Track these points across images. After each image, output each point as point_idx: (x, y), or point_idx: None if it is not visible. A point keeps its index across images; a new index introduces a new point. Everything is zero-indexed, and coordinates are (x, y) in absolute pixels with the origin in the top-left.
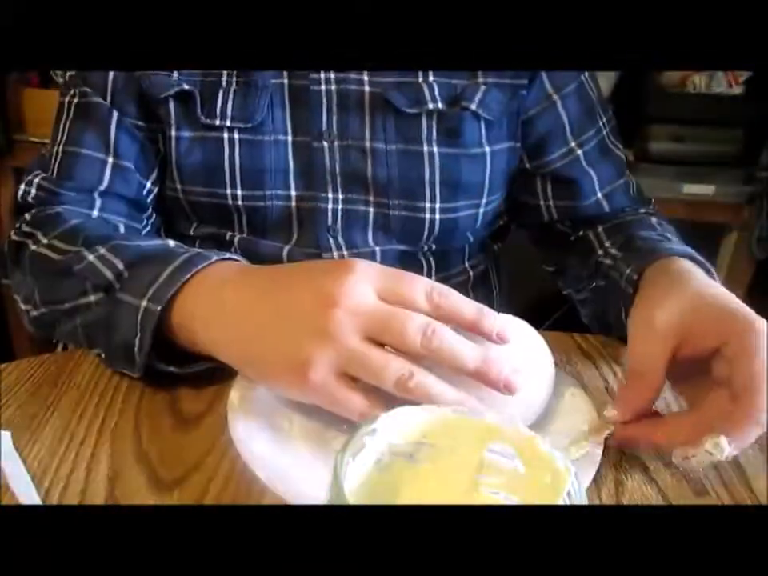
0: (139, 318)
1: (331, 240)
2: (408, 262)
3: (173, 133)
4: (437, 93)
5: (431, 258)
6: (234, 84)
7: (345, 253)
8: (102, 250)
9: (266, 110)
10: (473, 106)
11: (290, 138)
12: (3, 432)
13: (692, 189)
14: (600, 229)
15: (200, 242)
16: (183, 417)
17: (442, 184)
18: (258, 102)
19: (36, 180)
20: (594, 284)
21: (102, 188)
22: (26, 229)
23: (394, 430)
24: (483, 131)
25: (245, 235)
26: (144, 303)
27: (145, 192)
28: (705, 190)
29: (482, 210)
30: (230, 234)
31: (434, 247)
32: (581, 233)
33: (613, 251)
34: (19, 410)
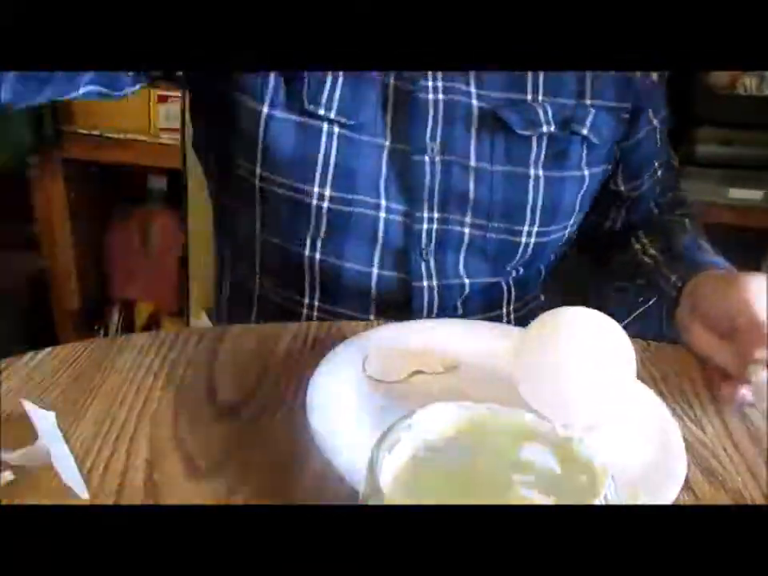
0: None
1: (423, 265)
2: (492, 291)
3: (264, 109)
4: (550, 115)
5: (512, 285)
6: (342, 74)
7: (434, 283)
8: None
9: (371, 110)
10: (584, 131)
11: (387, 143)
12: (48, 413)
13: (739, 193)
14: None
15: (260, 246)
16: (220, 407)
17: (543, 208)
18: (366, 98)
19: None
20: (637, 281)
21: None
22: None
23: (428, 425)
24: (584, 154)
25: (321, 243)
26: None
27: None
28: (752, 195)
29: (568, 231)
30: (304, 241)
31: (520, 271)
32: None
33: (652, 251)
34: (62, 395)
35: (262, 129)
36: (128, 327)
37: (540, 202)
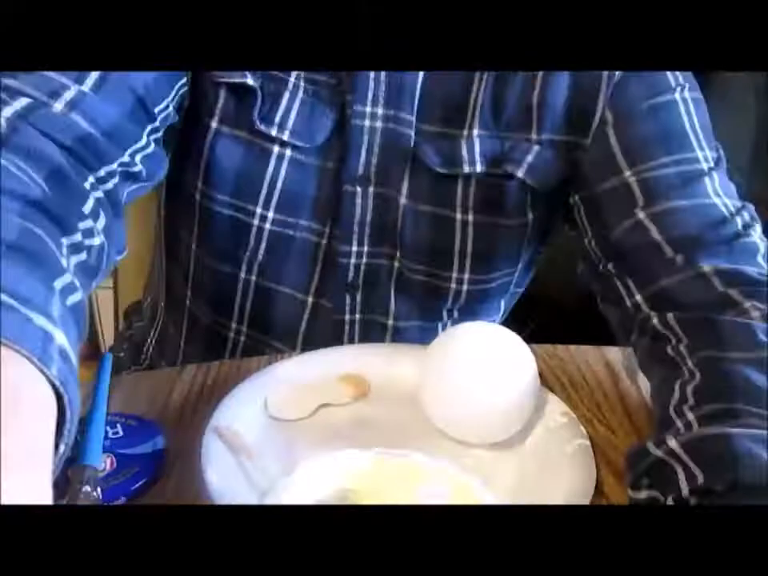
0: None
1: (348, 298)
2: (425, 335)
3: (212, 124)
4: (476, 153)
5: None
6: (302, 90)
7: (357, 318)
8: None
9: (325, 133)
10: (519, 173)
11: (332, 168)
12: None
13: None
14: None
15: (194, 265)
16: None
17: (474, 255)
18: (322, 122)
19: None
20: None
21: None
22: None
23: (313, 481)
24: (527, 198)
25: (257, 265)
26: None
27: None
28: None
29: (515, 276)
30: (240, 262)
31: (455, 316)
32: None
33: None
34: None
35: (208, 144)
36: None
37: (469, 249)
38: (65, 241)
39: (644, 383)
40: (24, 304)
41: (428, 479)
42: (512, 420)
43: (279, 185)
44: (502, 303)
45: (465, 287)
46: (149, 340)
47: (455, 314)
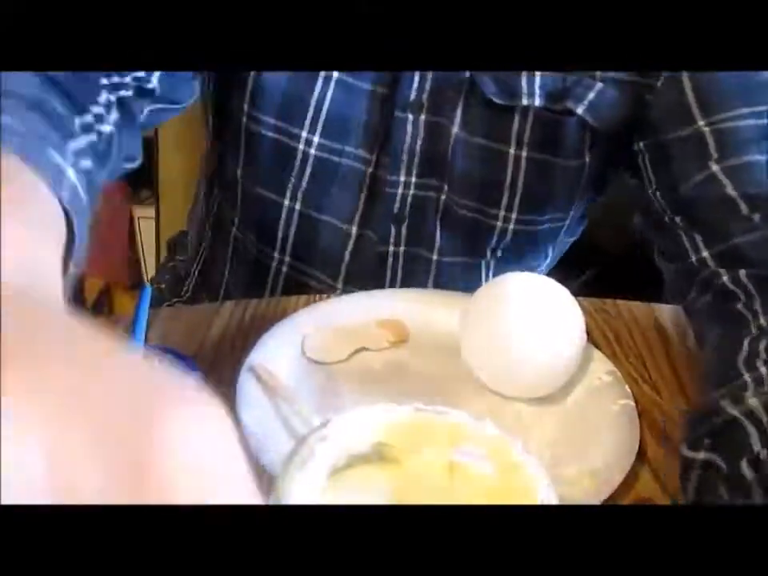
0: None
1: (393, 230)
2: (468, 273)
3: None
4: (536, 85)
5: (492, 271)
6: None
7: (402, 250)
8: None
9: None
10: (579, 110)
11: (381, 92)
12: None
13: None
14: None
15: (241, 193)
16: None
17: (524, 194)
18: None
19: None
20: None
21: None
22: None
23: (348, 433)
24: (586, 137)
25: (302, 193)
26: None
27: None
28: None
29: (567, 223)
30: (285, 189)
31: (499, 255)
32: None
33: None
34: None
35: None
36: (79, 304)
37: (520, 187)
38: (77, 119)
39: (693, 344)
40: (41, 139)
41: (466, 439)
42: (556, 376)
43: (326, 108)
44: (550, 250)
45: (511, 226)
46: (191, 272)
47: (499, 253)
